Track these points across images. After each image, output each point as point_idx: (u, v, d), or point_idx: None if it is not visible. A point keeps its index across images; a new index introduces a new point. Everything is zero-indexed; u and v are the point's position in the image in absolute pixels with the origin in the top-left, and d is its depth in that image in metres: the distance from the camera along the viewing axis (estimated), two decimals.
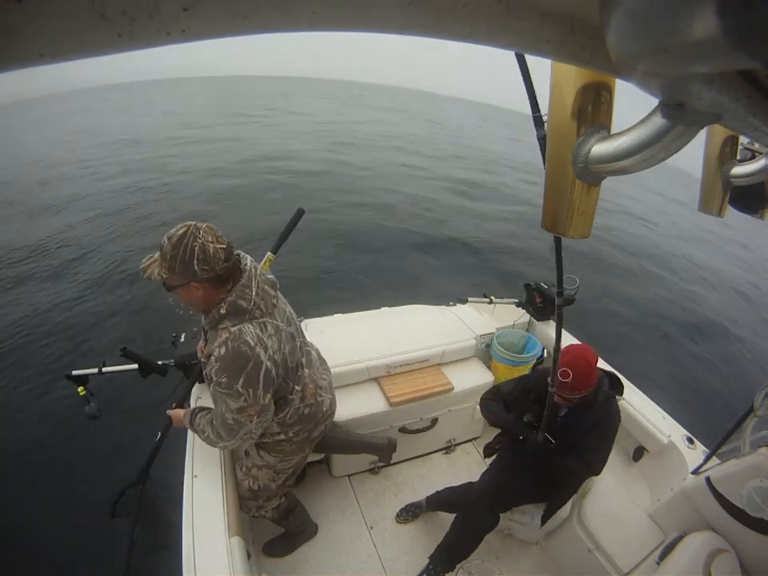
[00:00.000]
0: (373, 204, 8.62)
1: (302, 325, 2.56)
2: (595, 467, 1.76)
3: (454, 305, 2.91)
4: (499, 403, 1.96)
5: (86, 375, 1.81)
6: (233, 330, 1.26)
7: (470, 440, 2.79)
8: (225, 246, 1.23)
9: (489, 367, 2.65)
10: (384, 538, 2.20)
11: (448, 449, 2.72)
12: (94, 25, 0.20)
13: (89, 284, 4.97)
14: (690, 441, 2.13)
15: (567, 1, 0.32)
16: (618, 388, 1.79)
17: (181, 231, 1.18)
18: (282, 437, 1.59)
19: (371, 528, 2.24)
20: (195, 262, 1.17)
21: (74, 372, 1.79)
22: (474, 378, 2.52)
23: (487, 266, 6.64)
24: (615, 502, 2.08)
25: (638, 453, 2.32)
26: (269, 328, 1.32)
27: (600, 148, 0.47)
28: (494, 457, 2.08)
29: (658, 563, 1.72)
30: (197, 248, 1.17)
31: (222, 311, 1.26)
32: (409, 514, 2.29)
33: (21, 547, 2.39)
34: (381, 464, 2.46)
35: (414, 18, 0.28)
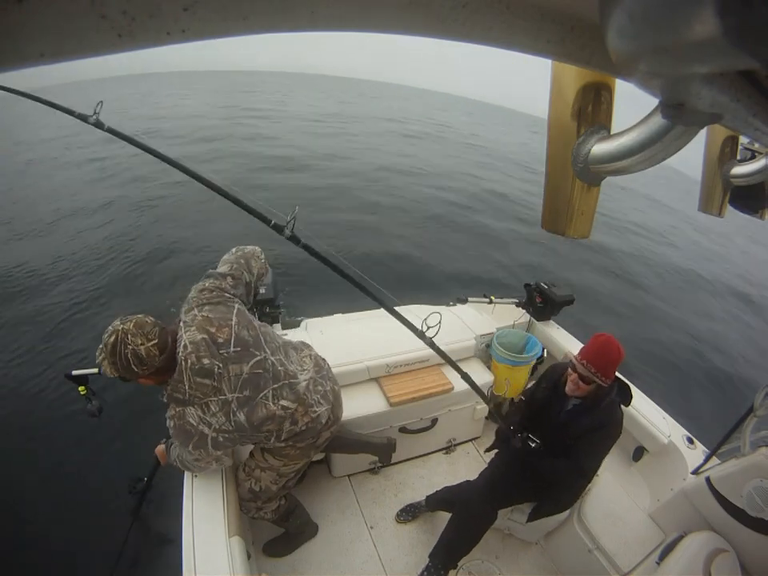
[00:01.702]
0: (374, 203, 8.62)
1: (302, 325, 2.56)
2: (586, 472, 1.74)
3: (454, 305, 2.90)
4: (517, 409, 1.97)
5: (86, 375, 1.80)
6: (177, 409, 1.37)
7: (470, 440, 2.79)
8: (157, 341, 1.27)
9: (489, 367, 2.65)
10: (384, 538, 2.20)
11: (448, 449, 2.72)
12: (95, 25, 0.20)
13: (89, 283, 4.97)
14: (690, 441, 2.13)
15: (567, 1, 0.32)
16: (626, 397, 1.75)
17: (111, 339, 1.23)
18: (283, 444, 1.60)
19: (371, 528, 2.24)
20: (133, 366, 1.25)
21: (74, 372, 1.79)
22: (474, 377, 2.50)
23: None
24: (615, 502, 2.07)
25: (638, 453, 2.32)
26: (212, 407, 1.38)
27: (600, 148, 0.47)
28: (494, 454, 2.08)
29: (657, 563, 1.72)
30: (129, 354, 1.23)
31: (164, 399, 1.39)
32: (408, 514, 2.29)
33: (16, 545, 2.39)
34: (380, 464, 2.46)
35: (415, 18, 0.28)
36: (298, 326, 2.59)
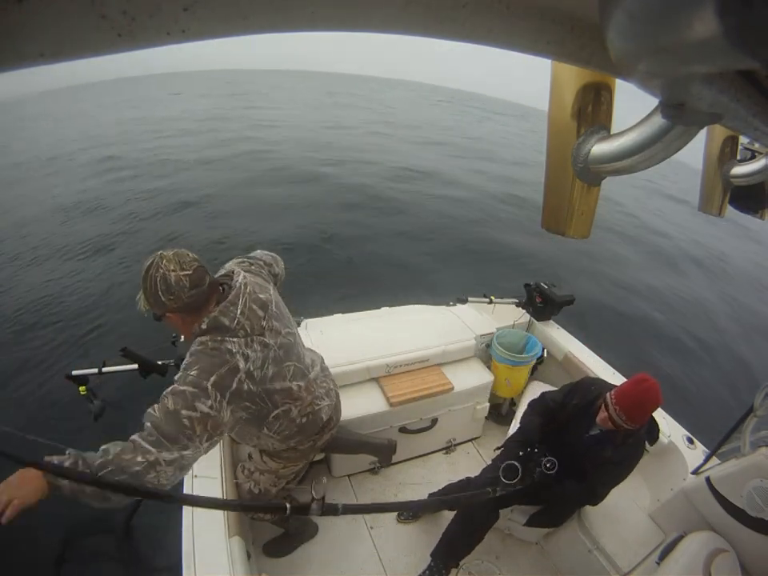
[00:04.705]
0: (371, 202, 8.62)
1: (302, 325, 2.56)
2: (598, 500, 1.75)
3: (454, 305, 2.91)
4: (535, 416, 1.90)
5: (86, 375, 1.80)
6: (218, 337, 1.22)
7: (470, 440, 2.79)
8: (190, 273, 1.18)
9: (489, 367, 2.65)
10: (384, 538, 2.20)
11: (448, 449, 2.72)
12: (95, 25, 0.20)
13: (89, 283, 4.98)
14: (690, 441, 2.13)
15: (567, 1, 0.32)
16: (652, 436, 1.73)
17: (147, 263, 1.18)
18: (284, 446, 1.57)
19: (371, 528, 2.24)
20: (160, 293, 1.16)
21: (74, 372, 1.79)
22: (474, 377, 2.52)
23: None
24: (615, 502, 2.07)
25: None
26: (255, 344, 1.28)
27: (600, 148, 0.47)
28: (498, 453, 2.08)
29: (657, 563, 1.72)
30: (158, 279, 1.15)
31: (204, 326, 1.22)
32: (410, 513, 2.29)
33: (14, 545, 2.39)
34: (380, 465, 2.46)
35: (415, 19, 0.28)
36: (298, 325, 2.59)
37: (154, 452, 1.03)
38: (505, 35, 0.32)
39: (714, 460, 1.89)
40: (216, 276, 1.39)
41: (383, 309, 2.89)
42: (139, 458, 1.01)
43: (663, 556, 1.73)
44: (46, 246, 5.85)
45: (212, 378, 1.15)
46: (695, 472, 1.92)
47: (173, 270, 1.16)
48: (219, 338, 1.22)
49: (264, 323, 1.33)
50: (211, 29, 0.23)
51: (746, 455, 1.67)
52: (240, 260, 1.54)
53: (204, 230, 6.54)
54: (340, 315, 2.75)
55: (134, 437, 1.06)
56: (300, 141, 14.39)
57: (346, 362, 2.24)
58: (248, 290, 1.32)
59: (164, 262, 1.16)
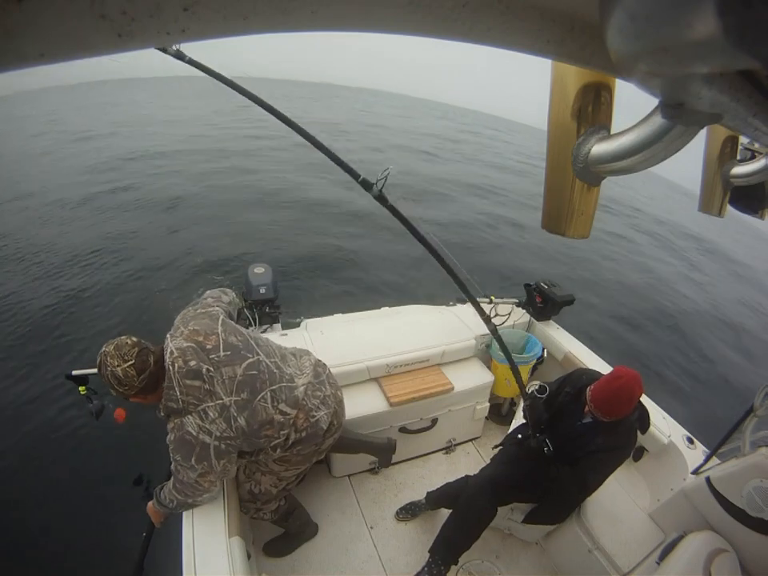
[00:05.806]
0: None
1: (302, 325, 2.56)
2: (589, 489, 1.77)
3: (454, 305, 2.91)
4: (540, 400, 1.92)
5: (87, 375, 1.80)
6: (176, 420, 1.37)
7: (470, 440, 2.79)
8: (133, 362, 1.28)
9: (489, 367, 2.65)
10: (384, 537, 2.20)
11: (448, 449, 2.72)
12: (94, 25, 0.20)
13: (89, 283, 4.97)
14: (690, 441, 2.13)
15: (567, 1, 0.32)
16: (644, 424, 1.74)
17: (98, 362, 1.30)
18: (287, 454, 1.60)
19: (371, 528, 2.24)
20: (116, 387, 1.29)
21: (74, 372, 1.79)
22: (474, 378, 2.52)
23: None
24: (615, 502, 2.07)
25: (638, 453, 2.32)
26: (210, 414, 1.37)
27: (600, 148, 0.47)
28: (497, 451, 2.08)
29: (658, 563, 1.72)
30: (109, 376, 1.28)
31: (162, 414, 1.39)
32: (408, 512, 2.29)
33: (11, 545, 2.39)
34: (380, 465, 2.45)
35: (414, 18, 0.28)
36: (298, 326, 2.59)
37: (189, 500, 1.47)
38: (504, 35, 0.32)
39: (714, 460, 1.89)
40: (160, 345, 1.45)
41: (383, 309, 2.89)
42: (189, 501, 1.48)
43: (663, 556, 1.73)
44: (47, 248, 5.85)
45: (193, 459, 1.37)
46: (695, 472, 1.92)
47: (117, 366, 1.27)
48: (179, 421, 1.36)
49: (207, 387, 1.37)
50: (211, 29, 0.23)
51: (746, 455, 1.67)
52: (184, 312, 1.59)
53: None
54: (340, 315, 2.75)
55: (176, 495, 1.47)
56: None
57: (346, 361, 2.24)
58: (176, 368, 1.35)
59: (108, 359, 1.28)
